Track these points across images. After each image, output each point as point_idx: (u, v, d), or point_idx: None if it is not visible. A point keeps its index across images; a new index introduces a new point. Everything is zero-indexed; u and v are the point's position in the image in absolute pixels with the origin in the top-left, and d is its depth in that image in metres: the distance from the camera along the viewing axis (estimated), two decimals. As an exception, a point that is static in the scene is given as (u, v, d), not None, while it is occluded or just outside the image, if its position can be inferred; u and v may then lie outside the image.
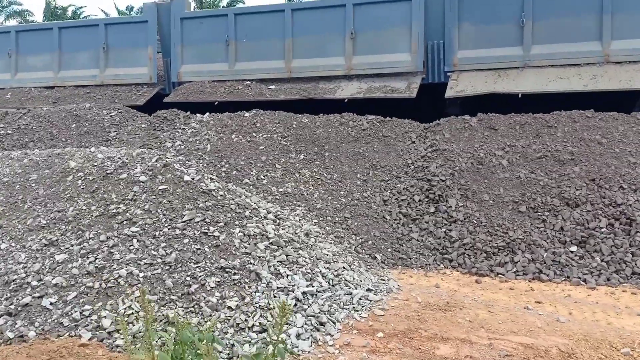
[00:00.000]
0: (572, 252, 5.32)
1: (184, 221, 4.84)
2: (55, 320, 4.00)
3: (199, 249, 4.59)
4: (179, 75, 9.94)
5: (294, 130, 7.28)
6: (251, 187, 6.38)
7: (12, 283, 4.45)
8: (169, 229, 4.77)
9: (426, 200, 6.19)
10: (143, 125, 8.16)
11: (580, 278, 4.97)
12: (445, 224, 5.85)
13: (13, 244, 4.97)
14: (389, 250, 5.70)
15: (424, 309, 4.32)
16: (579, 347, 3.59)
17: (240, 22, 9.53)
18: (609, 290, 4.73)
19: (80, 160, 5.90)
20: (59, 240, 4.85)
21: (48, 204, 5.36)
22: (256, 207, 5.41)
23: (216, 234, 4.75)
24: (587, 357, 3.46)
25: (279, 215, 5.57)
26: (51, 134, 8.30)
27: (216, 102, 9.06)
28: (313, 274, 4.69)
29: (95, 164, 5.71)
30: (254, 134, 7.32)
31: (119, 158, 5.72)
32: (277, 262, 4.66)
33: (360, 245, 5.70)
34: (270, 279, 4.45)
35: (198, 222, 4.84)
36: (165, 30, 10.16)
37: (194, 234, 4.72)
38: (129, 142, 7.82)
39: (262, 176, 6.59)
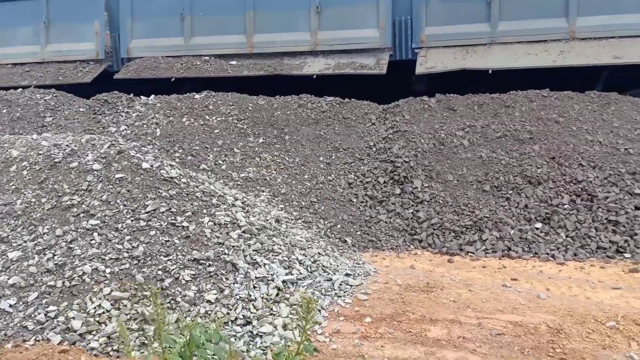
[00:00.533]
0: (537, 228, 5.44)
1: (148, 212, 4.52)
2: (18, 324, 3.63)
3: (168, 240, 4.30)
4: (129, 51, 9.30)
5: (250, 112, 7.00)
6: (209, 173, 6.09)
7: (-40, 285, 4.00)
8: (132, 221, 4.44)
9: (391, 182, 6.14)
10: (81, 109, 7.60)
11: (548, 254, 5.09)
12: (412, 205, 5.83)
13: (-46, 243, 4.46)
14: (358, 233, 5.61)
15: (406, 291, 4.27)
16: (566, 322, 3.65)
17: None
18: (577, 265, 4.87)
19: (23, 148, 5.38)
20: (9, 237, 4.40)
21: (-10, 197, 4.85)
22: (222, 194, 5.15)
23: (185, 224, 4.46)
24: (576, 332, 3.52)
25: (246, 202, 5.33)
26: (-21, 120, 7.57)
27: (173, 79, 8.54)
28: (290, 261, 4.52)
29: (41, 152, 5.22)
30: (207, 117, 6.99)
31: (66, 145, 5.27)
32: (253, 250, 4.45)
33: (329, 230, 5.57)
34: (248, 268, 4.24)
35: (163, 212, 4.54)
36: (112, 4, 9.47)
37: (161, 225, 4.42)
38: (68, 127, 7.26)
39: (220, 161, 6.30)
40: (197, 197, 4.85)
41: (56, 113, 7.61)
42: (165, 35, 9.13)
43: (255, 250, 4.48)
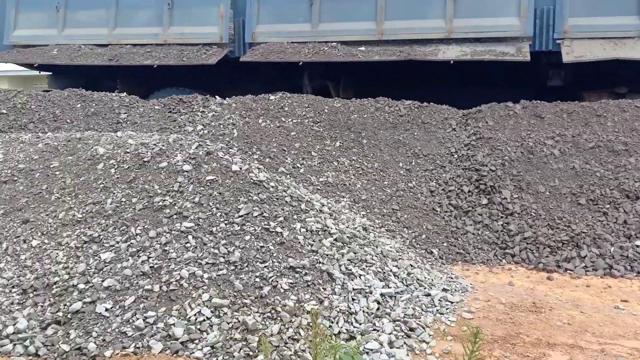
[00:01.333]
0: (637, 246, 5.11)
1: (241, 216, 4.40)
2: (117, 330, 3.54)
3: (263, 246, 4.16)
4: (254, 36, 9.14)
5: (326, 115, 6.85)
6: (288, 176, 5.95)
7: (54, 286, 3.96)
8: (226, 224, 4.32)
9: (476, 191, 5.89)
10: (157, 107, 7.58)
11: (656, 275, 4.77)
12: (502, 217, 5.56)
13: (46, 241, 4.44)
14: (445, 244, 5.38)
15: (512, 310, 4.02)
16: (700, 353, 3.35)
17: None
18: (692, 287, 4.54)
19: (109, 146, 5.35)
20: (101, 237, 4.34)
21: (79, 195, 4.83)
22: (308, 199, 5.00)
23: (278, 229, 4.32)
24: None
25: (331, 207, 5.18)
26: (54, 114, 7.64)
27: (301, 62, 8.40)
28: (384, 273, 4.33)
29: (128, 150, 5.17)
30: (283, 119, 6.86)
31: (154, 144, 5.21)
32: (347, 260, 4.28)
33: (414, 240, 5.36)
34: (344, 279, 4.07)
35: (256, 216, 4.40)
36: None
37: (255, 230, 4.28)
38: (143, 125, 7.25)
39: (298, 164, 6.16)
40: (286, 201, 4.71)
41: (131, 110, 7.63)
42: (292, 21, 8.94)
43: (349, 260, 4.30)
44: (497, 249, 5.32)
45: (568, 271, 4.93)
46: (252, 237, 4.22)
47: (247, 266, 3.99)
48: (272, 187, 4.85)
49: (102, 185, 4.87)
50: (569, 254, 5.08)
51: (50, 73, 11.17)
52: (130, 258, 4.09)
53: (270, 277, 3.90)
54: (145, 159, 5.01)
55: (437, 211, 5.74)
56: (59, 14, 10.35)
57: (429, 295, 4.20)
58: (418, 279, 4.45)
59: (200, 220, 4.35)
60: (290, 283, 3.90)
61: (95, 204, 4.67)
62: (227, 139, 6.53)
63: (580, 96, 7.72)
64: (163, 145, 5.17)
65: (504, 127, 6.46)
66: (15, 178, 5.19)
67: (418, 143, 6.46)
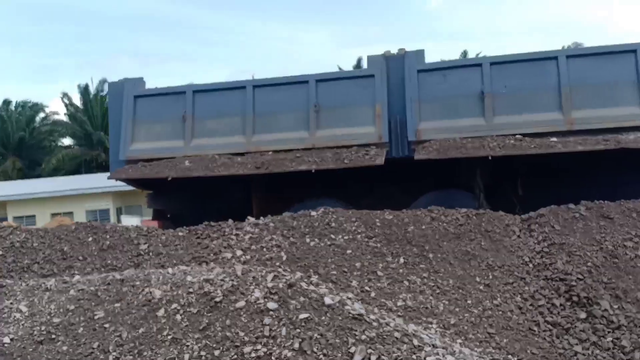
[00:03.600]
0: None
1: (357, 362, 3.63)
2: None
3: (399, 401, 3.39)
4: (418, 134, 8.58)
5: (379, 229, 6.27)
6: (360, 302, 5.22)
7: None
8: (344, 376, 3.54)
9: (568, 304, 5.32)
10: (181, 234, 6.81)
11: None
12: (609, 332, 4.97)
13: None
14: (558, 370, 4.69)
15: None
16: None
17: (496, 72, 8.49)
18: None
19: (165, 286, 4.53)
20: (194, 407, 3.45)
21: (144, 352, 3.94)
22: (412, 332, 4.27)
23: (418, 376, 3.57)
24: None
25: (435, 339, 4.45)
26: (62, 251, 6.71)
27: (490, 157, 7.82)
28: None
29: (191, 290, 4.38)
30: (332, 236, 6.24)
31: (221, 280, 4.44)
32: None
33: (524, 368, 4.65)
34: None
35: (374, 361, 3.65)
36: (392, 86, 8.86)
37: (381, 379, 3.51)
38: (170, 255, 6.43)
39: (366, 287, 5.47)
40: (396, 338, 3.97)
41: (150, 239, 6.81)
42: (461, 116, 8.53)
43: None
44: (618, 371, 4.66)
45: None
46: (384, 390, 3.44)
47: None
48: (374, 320, 4.12)
49: (170, 337, 4.01)
50: (701, 371, 4.48)
51: (151, 192, 10.11)
52: None
53: None
54: (217, 299, 4.22)
55: (534, 331, 5.10)
56: (186, 123, 9.49)
57: None
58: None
59: (310, 372, 3.55)
60: None
61: (169, 362, 3.79)
62: (276, 263, 5.81)
63: None
64: (233, 280, 4.41)
65: (574, 231, 6.05)
66: (53, 336, 4.23)
67: (488, 254, 5.93)
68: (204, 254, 6.32)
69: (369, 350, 3.72)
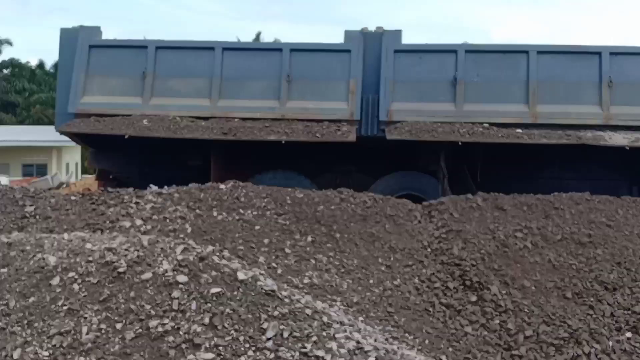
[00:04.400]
0: (628, 339, 5.19)
1: (270, 338, 3.59)
2: None
3: (311, 378, 3.40)
4: (390, 114, 8.41)
5: (289, 206, 6.24)
6: (267, 278, 5.18)
7: None
8: (254, 351, 3.48)
9: (461, 287, 5.65)
10: (73, 198, 6.31)
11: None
12: (496, 315, 5.34)
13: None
14: (450, 349, 4.97)
15: None
16: None
17: (470, 60, 8.50)
18: None
19: (60, 252, 4.18)
20: (90, 383, 3.21)
21: (34, 323, 3.62)
22: (321, 309, 4.31)
23: (319, 353, 3.58)
24: None
25: (341, 317, 4.52)
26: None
27: (460, 142, 7.92)
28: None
29: (91, 258, 4.08)
30: (241, 211, 6.11)
31: (125, 250, 4.18)
32: (401, 385, 3.67)
33: (419, 346, 4.88)
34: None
35: (287, 337, 3.63)
36: (368, 63, 8.60)
37: (292, 355, 3.51)
38: (60, 219, 5.95)
39: (273, 264, 5.44)
40: (307, 315, 3.99)
41: (37, 201, 6.25)
42: (433, 100, 8.51)
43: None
44: (502, 350, 5.04)
45: (580, 372, 4.79)
46: (296, 365, 3.42)
47: (303, 408, 3.18)
48: (286, 297, 4.10)
49: (65, 308, 3.71)
50: (574, 352, 4.97)
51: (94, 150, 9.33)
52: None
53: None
54: (121, 270, 3.96)
55: (430, 311, 5.36)
56: (146, 80, 8.70)
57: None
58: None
59: (221, 348, 3.45)
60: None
61: (63, 334, 3.51)
62: (181, 235, 5.57)
63: None
64: (139, 250, 4.17)
65: (470, 220, 6.42)
66: None
67: (391, 236, 6.13)
68: (99, 222, 5.92)
69: (282, 327, 3.69)
